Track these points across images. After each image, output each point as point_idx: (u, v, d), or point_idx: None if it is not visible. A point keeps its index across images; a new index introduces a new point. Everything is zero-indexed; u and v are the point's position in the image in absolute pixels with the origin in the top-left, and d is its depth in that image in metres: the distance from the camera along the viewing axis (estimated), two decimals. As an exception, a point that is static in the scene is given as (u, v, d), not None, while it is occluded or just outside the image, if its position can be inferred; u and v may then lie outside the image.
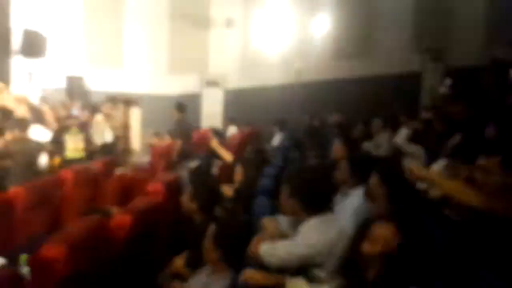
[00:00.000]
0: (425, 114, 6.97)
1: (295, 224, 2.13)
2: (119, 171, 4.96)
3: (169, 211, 3.28)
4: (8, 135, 4.37)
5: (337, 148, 3.71)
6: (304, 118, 8.46)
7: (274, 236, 2.10)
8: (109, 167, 4.82)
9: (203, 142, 6.29)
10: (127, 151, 7.28)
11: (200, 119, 10.54)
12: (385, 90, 8.95)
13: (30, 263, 2.22)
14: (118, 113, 7.66)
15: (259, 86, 10.36)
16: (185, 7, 10.73)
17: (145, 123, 8.42)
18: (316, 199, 2.05)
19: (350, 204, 2.48)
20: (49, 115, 6.53)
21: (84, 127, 6.08)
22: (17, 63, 9.88)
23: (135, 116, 8.16)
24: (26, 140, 4.49)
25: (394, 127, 5.66)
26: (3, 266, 2.64)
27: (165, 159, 5.79)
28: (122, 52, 11.07)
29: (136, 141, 8.05)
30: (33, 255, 2.19)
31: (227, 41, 10.98)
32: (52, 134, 5.60)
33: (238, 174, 3.72)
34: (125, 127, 7.78)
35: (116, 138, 7.02)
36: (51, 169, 4.86)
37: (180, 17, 10.66)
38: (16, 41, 9.62)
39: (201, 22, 10.79)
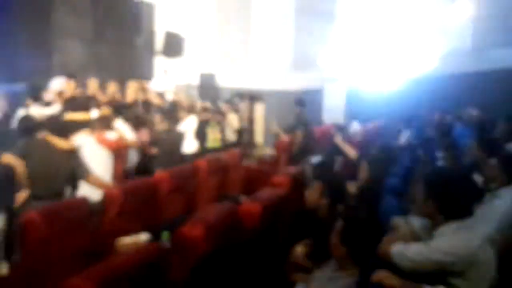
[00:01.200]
0: None
1: (429, 227, 2.00)
2: (245, 162, 5.26)
3: (292, 203, 3.37)
4: (158, 126, 4.99)
5: (473, 149, 3.37)
6: (435, 114, 7.80)
7: (407, 238, 2.01)
8: (237, 158, 5.14)
9: (326, 137, 6.29)
10: (252, 144, 7.66)
11: (321, 115, 10.52)
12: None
13: (174, 240, 2.49)
14: (244, 108, 8.12)
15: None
16: (311, 3, 10.76)
17: (269, 118, 8.72)
18: (456, 203, 1.88)
19: (499, 207, 2.25)
20: (183, 108, 7.22)
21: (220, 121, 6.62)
22: (157, 62, 11.09)
23: (260, 111, 8.53)
24: (171, 131, 5.08)
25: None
26: (149, 240, 3.01)
27: (288, 153, 5.95)
28: (249, 49, 11.61)
29: (260, 134, 8.42)
30: (176, 233, 2.45)
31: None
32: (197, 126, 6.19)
33: (363, 171, 3.63)
34: (250, 121, 8.20)
35: (242, 132, 7.43)
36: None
37: (306, 12, 10.73)
38: (158, 42, 10.79)
39: (326, 17, 10.71)
